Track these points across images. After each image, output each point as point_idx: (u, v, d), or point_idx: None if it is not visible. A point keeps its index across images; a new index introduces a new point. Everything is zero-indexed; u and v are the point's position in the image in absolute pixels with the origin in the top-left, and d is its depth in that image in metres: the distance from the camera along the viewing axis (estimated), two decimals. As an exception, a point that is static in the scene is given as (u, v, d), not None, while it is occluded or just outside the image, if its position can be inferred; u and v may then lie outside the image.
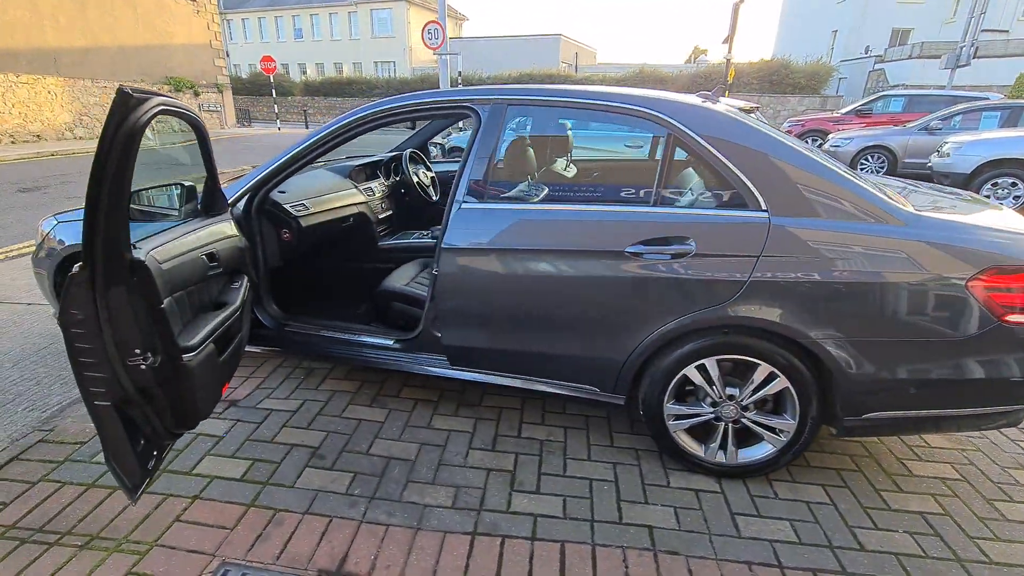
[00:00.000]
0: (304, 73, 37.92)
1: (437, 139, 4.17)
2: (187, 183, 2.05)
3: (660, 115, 1.96)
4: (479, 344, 2.22)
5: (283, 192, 2.59)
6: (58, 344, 3.09)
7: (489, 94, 2.14)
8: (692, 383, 2.04)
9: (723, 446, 2.09)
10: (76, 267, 1.29)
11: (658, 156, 2.05)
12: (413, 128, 3.66)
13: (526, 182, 2.11)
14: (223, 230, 2.06)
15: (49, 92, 14.61)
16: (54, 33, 14.60)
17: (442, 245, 2.08)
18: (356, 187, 3.12)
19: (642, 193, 2.04)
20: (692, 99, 2.05)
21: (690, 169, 2.05)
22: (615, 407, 2.21)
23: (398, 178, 3.58)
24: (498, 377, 2.29)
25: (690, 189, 2.04)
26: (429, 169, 3.68)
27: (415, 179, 3.38)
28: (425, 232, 3.28)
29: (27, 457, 2.14)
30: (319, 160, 2.57)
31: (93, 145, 13.65)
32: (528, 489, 2.06)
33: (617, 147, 2.23)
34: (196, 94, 19.07)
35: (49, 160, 11.30)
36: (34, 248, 2.76)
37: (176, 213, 2.04)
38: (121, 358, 1.42)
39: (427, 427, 2.41)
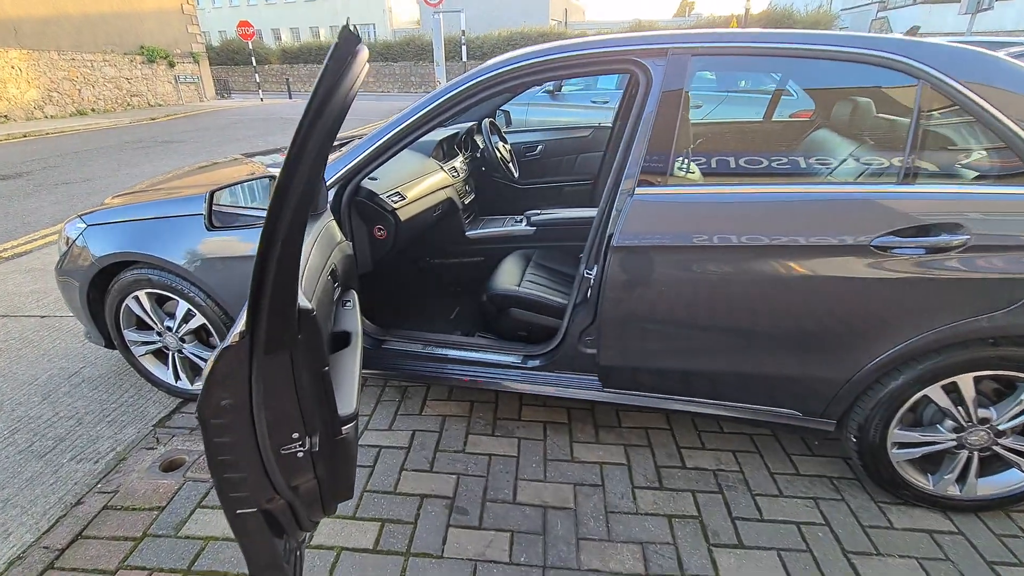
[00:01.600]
0: (279, 39, 35.94)
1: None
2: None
3: (909, 61, 1.49)
4: (650, 364, 1.79)
5: (374, 179, 2.09)
6: (91, 368, 2.60)
7: (663, 42, 1.64)
8: (932, 404, 1.64)
9: (961, 477, 1.71)
10: (234, 334, 0.83)
11: (902, 115, 1.59)
12: (557, 90, 3.12)
13: (722, 158, 1.64)
14: (333, 234, 1.58)
15: (12, 67, 13.43)
16: (11, 0, 13.32)
17: (614, 244, 1.62)
18: (442, 167, 2.61)
19: (886, 166, 1.58)
20: (943, 40, 1.57)
21: (953, 131, 1.59)
22: (802, 429, 1.81)
23: (477, 154, 3.06)
24: (665, 401, 1.88)
25: (957, 160, 1.58)
26: (506, 141, 3.18)
27: (498, 154, 2.88)
28: (518, 218, 2.79)
29: (94, 534, 1.69)
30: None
31: (66, 124, 12.62)
32: (728, 542, 1.67)
33: (839, 106, 1.74)
34: (171, 64, 17.81)
35: (22, 143, 10.39)
36: (57, 257, 2.25)
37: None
38: (275, 448, 0.97)
39: (571, 460, 2.00)
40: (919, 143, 1.50)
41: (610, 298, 1.69)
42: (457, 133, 2.90)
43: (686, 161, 1.65)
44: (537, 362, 1.99)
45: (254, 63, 22.45)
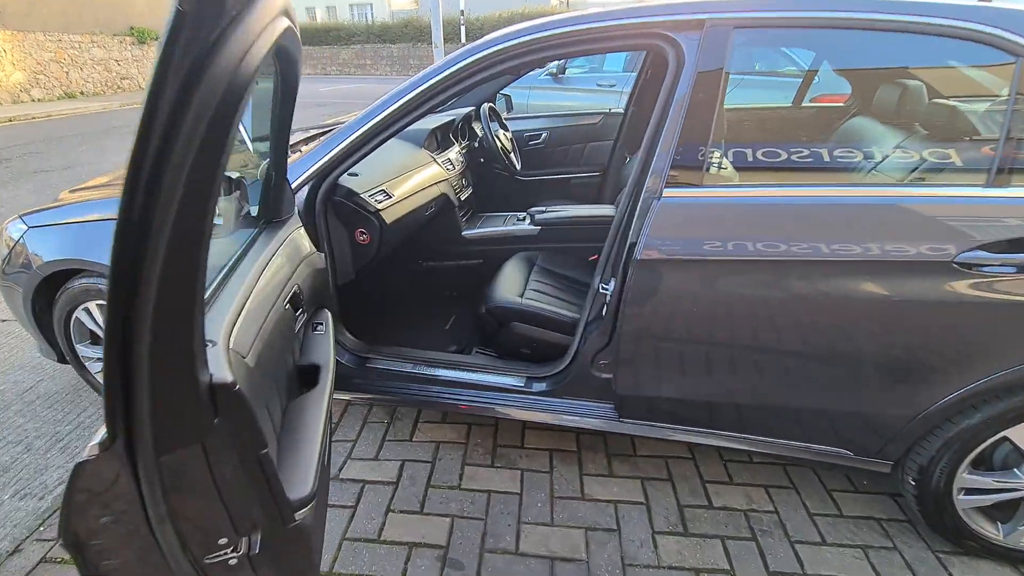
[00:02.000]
0: (275, 20, 34.98)
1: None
2: (233, 175, 1.27)
3: (1004, 34, 1.21)
4: (677, 394, 1.54)
5: (355, 175, 1.81)
6: (49, 383, 2.34)
7: (699, 11, 1.35)
8: (1011, 445, 1.39)
9: (1040, 528, 1.46)
10: (92, 445, 0.57)
11: (987, 101, 1.31)
12: (560, 73, 2.81)
13: (769, 150, 1.37)
14: (299, 247, 1.31)
15: (-3, 48, 13.01)
16: (-7, -21, 12.85)
17: (637, 256, 1.35)
18: (435, 159, 2.32)
19: (968, 162, 1.30)
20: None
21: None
22: (850, 468, 1.56)
23: (475, 143, 2.76)
24: (691, 434, 1.63)
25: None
26: (507, 129, 2.88)
27: (498, 143, 2.59)
28: (520, 215, 2.51)
29: (26, 593, 1.45)
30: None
31: (54, 108, 12.29)
32: (767, 604, 1.43)
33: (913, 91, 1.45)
34: (162, 46, 17.28)
35: (7, 128, 10.03)
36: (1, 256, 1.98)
37: (217, 227, 1.27)
38: (196, 560, 0.71)
39: (581, 497, 1.75)
40: (1012, 136, 1.22)
41: (631, 318, 1.43)
42: (453, 120, 2.60)
43: (725, 156, 1.37)
44: (543, 386, 1.73)
45: (248, 45, 21.83)
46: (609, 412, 1.67)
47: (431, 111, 1.53)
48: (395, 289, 2.47)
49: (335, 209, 1.75)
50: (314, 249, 1.41)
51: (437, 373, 1.80)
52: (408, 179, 2.06)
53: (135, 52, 16.51)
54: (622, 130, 2.96)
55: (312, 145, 1.66)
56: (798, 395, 1.44)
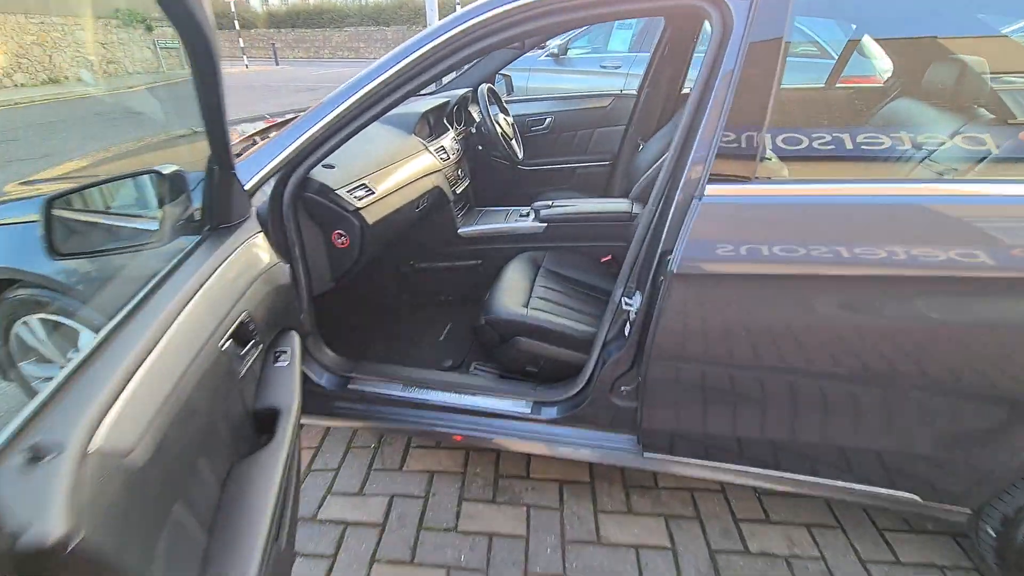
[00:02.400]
0: (266, 2, 34.31)
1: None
2: (167, 169, 1.01)
3: None
4: (716, 430, 1.30)
5: (331, 167, 1.54)
6: (-5, 401, 2.09)
7: (751, -34, 1.07)
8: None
9: None
10: None
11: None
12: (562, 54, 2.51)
13: (836, 136, 1.11)
14: (252, 260, 1.05)
15: (-24, 31, 12.56)
16: (-29, -42, 12.37)
17: (673, 269, 1.10)
18: (426, 147, 2.05)
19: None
20: None
21: None
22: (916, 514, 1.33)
23: (473, 129, 2.48)
24: (728, 474, 1.39)
25: None
26: (508, 113, 2.60)
27: (499, 129, 2.32)
28: (524, 210, 2.24)
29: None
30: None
31: (39, 93, 11.90)
32: None
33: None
34: (149, 29, 16.80)
35: (-14, 113, 9.66)
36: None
37: (150, 234, 1.02)
38: None
39: (597, 541, 1.52)
40: None
41: (664, 341, 1.18)
42: (447, 103, 2.32)
43: (781, 144, 1.11)
44: (552, 412, 1.49)
45: (238, 27, 21.32)
46: (630, 445, 1.43)
47: (420, 89, 1.26)
48: (382, 295, 2.21)
49: (307, 208, 1.49)
50: (276, 259, 1.15)
51: (428, 397, 1.56)
52: (395, 171, 1.79)
53: (120, 35, 16.03)
54: (635, 114, 2.69)
55: (278, 132, 1.39)
56: (869, 433, 1.20)
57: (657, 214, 1.22)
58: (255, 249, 1.07)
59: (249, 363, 0.92)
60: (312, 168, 1.36)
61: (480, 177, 2.56)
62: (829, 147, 1.12)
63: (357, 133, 1.30)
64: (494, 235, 2.16)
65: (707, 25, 1.14)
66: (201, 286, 0.83)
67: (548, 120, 2.82)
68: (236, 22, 21.31)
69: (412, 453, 1.82)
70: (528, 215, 2.18)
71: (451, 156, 2.16)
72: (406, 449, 1.83)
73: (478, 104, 2.34)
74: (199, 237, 1.03)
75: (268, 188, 1.32)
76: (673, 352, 1.19)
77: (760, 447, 1.31)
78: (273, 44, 22.61)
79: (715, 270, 1.09)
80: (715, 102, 1.08)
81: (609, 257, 2.09)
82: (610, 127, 2.76)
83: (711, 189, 1.08)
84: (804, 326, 1.11)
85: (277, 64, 20.76)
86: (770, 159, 1.13)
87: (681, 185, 1.12)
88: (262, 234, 1.15)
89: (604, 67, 5.43)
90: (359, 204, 1.55)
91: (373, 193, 1.61)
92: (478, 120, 2.47)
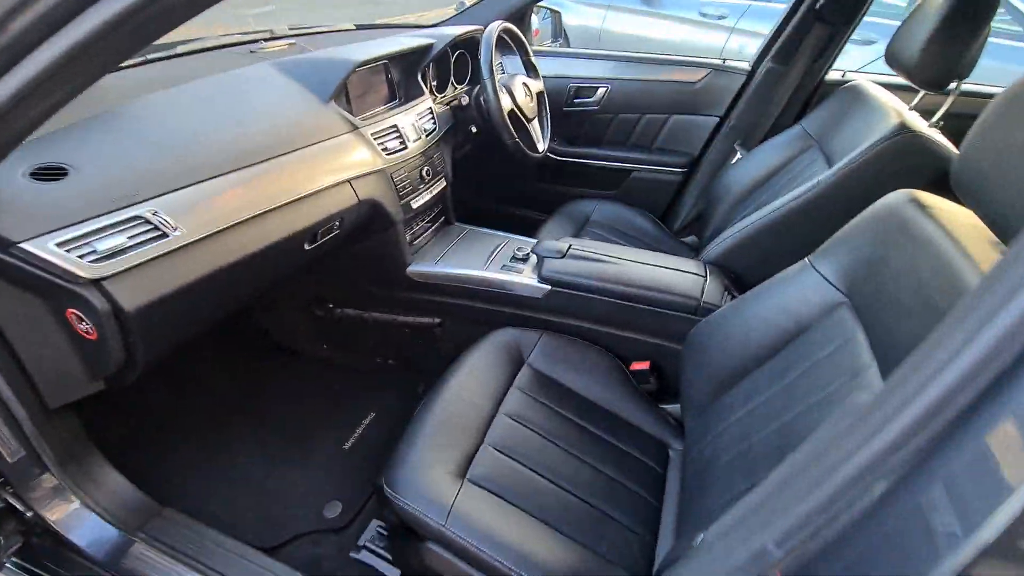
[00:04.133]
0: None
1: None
2: None
3: None
4: None
5: (58, 175, 0.71)
6: None
7: None
8: None
9: None
10: None
11: None
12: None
13: None
14: None
15: None
16: None
17: None
18: (355, 127, 1.14)
19: None
20: None
21: None
22: None
23: (465, 98, 1.50)
24: None
25: None
26: (535, 73, 1.63)
27: (510, 99, 1.38)
28: (520, 250, 1.33)
29: None
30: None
31: None
32: None
33: None
34: None
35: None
36: None
37: None
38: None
39: None
40: None
41: None
42: (430, 47, 1.36)
43: None
44: None
45: None
46: None
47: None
48: (257, 355, 1.41)
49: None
50: None
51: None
52: (263, 177, 0.91)
53: None
54: (739, 100, 1.69)
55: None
56: None
57: None
58: None
59: None
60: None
61: (471, 174, 1.66)
62: None
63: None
64: (462, 287, 1.29)
65: None
66: None
67: (602, 91, 1.83)
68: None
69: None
70: (526, 259, 1.29)
71: (411, 144, 1.26)
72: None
73: (482, 57, 1.39)
74: None
75: None
76: None
77: None
78: None
79: None
80: None
81: (644, 365, 1.19)
82: (696, 115, 1.78)
83: None
84: None
85: None
86: None
87: None
88: None
89: (704, 15, 4.18)
90: (100, 268, 0.71)
91: (165, 236, 0.76)
92: (477, 90, 1.48)
